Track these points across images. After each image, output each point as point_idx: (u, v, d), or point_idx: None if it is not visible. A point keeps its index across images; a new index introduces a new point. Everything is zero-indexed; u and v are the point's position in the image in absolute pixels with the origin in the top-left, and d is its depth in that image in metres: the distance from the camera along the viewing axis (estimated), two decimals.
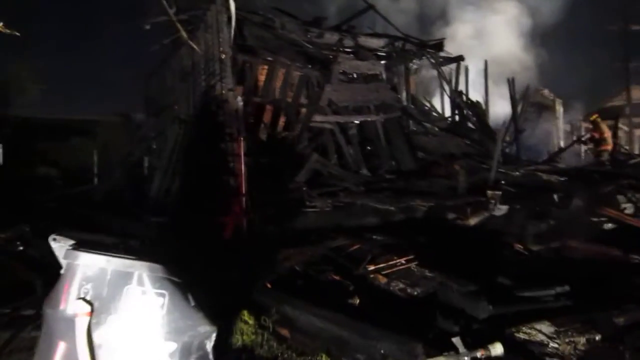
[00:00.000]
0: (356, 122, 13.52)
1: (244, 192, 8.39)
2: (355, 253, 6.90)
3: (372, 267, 5.89)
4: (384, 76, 15.16)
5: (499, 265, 6.52)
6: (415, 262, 5.91)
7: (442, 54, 16.62)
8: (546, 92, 20.18)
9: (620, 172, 12.85)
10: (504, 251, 7.52)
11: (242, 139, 8.39)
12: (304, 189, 9.47)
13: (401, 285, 5.31)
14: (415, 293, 5.15)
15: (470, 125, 16.03)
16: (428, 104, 17.09)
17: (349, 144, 12.46)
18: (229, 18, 9.94)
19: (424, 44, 16.04)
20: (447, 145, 14.06)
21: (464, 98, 16.24)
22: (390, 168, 12.49)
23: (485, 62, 16.38)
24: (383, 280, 5.53)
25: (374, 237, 7.90)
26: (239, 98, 9.34)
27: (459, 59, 16.33)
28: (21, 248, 7.63)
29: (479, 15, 20.57)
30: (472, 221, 9.26)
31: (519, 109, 16.13)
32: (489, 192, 9.50)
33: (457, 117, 16.13)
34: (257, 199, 8.98)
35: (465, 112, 16.11)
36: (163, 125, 14.96)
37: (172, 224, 9.76)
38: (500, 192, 9.55)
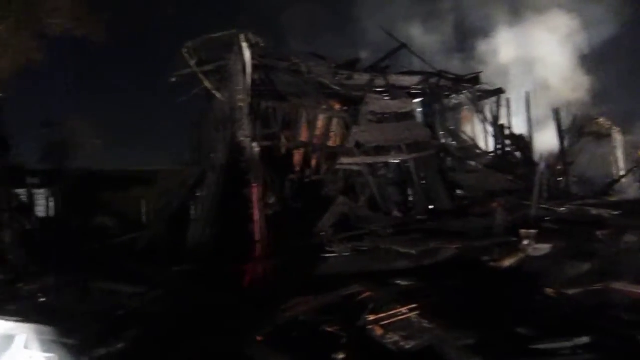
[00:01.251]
0: (394, 161, 13.21)
1: (259, 239, 8.26)
2: (365, 301, 6.52)
3: (371, 318, 5.49)
4: (419, 114, 14.84)
5: (522, 312, 5.92)
6: (417, 312, 5.45)
7: (483, 86, 16.09)
8: (601, 120, 18.92)
9: None
10: (534, 296, 6.86)
11: (255, 185, 8.32)
12: (323, 233, 9.19)
13: (396, 338, 4.88)
14: (408, 347, 4.70)
15: (513, 159, 15.25)
16: (470, 140, 16.45)
17: (379, 185, 12.13)
18: (244, 66, 10.15)
19: (460, 79, 15.61)
20: (487, 182, 13.39)
21: (506, 131, 15.54)
22: (425, 208, 11.99)
23: (527, 94, 15.67)
24: (380, 332, 5.11)
25: (397, 282, 7.50)
26: (255, 144, 9.37)
27: (499, 91, 15.74)
28: (42, 299, 7.85)
29: (527, 36, 19.50)
30: (507, 263, 8.63)
31: (566, 140, 15.22)
32: (522, 232, 8.85)
33: (499, 152, 15.42)
34: (278, 244, 8.82)
35: (508, 146, 15.38)
36: (203, 173, 15.27)
37: (198, 273, 9.76)
38: (535, 231, 8.86)
